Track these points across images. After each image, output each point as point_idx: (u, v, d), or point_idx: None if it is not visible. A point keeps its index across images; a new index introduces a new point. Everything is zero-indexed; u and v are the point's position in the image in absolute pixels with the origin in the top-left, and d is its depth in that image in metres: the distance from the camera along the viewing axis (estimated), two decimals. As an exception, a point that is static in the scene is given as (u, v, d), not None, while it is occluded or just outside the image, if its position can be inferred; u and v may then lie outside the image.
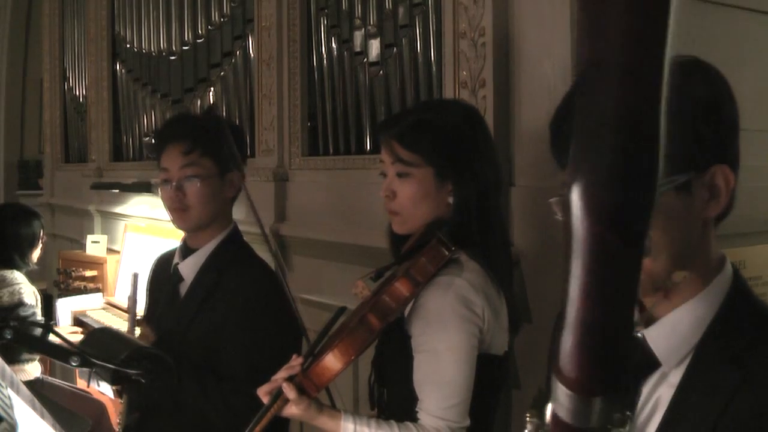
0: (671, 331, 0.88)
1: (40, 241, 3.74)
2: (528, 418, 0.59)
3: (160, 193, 2.01)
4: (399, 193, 1.58)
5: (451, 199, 1.57)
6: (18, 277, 3.56)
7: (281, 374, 1.48)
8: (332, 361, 1.43)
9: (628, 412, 0.51)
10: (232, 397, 1.81)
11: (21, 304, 3.45)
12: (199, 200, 1.93)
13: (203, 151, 1.92)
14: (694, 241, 0.88)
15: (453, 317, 1.47)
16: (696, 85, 0.86)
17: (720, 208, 0.87)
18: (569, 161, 0.43)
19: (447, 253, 1.47)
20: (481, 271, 1.52)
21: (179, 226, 2.02)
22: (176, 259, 2.05)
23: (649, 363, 0.89)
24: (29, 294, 3.52)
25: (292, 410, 1.45)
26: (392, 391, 1.59)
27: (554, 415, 0.50)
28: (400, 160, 1.57)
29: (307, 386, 1.45)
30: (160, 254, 2.24)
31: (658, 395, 0.89)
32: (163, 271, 2.12)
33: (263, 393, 1.50)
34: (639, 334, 0.89)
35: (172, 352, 1.76)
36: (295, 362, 1.49)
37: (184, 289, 2.01)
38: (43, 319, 3.63)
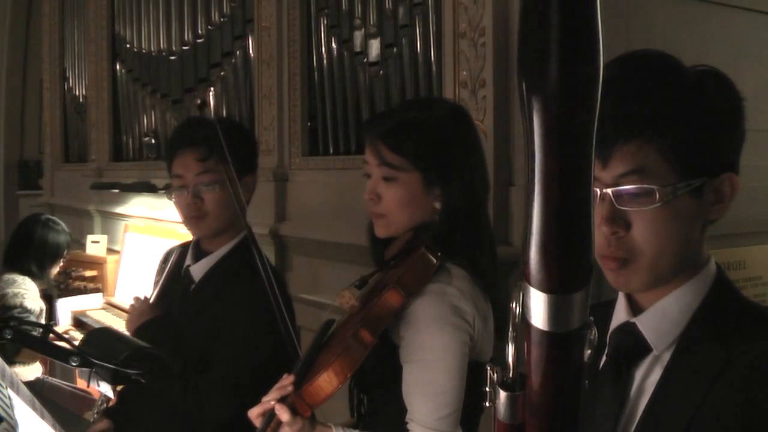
0: (661, 317, 0.94)
1: (62, 259, 3.82)
2: (489, 370, 0.59)
3: (173, 199, 1.93)
4: (385, 196, 1.52)
5: (438, 204, 1.51)
6: (28, 284, 3.55)
7: (273, 395, 1.42)
8: (327, 380, 1.38)
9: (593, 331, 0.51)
10: (204, 389, 1.78)
11: (20, 307, 3.43)
12: (218, 207, 1.88)
13: (220, 156, 1.83)
14: (694, 240, 0.93)
15: (444, 326, 1.42)
16: (715, 95, 0.91)
17: (723, 213, 0.94)
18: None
19: (435, 261, 1.44)
20: (468, 277, 1.48)
21: (195, 234, 1.97)
22: (188, 261, 1.99)
23: (640, 348, 0.95)
24: (33, 302, 3.50)
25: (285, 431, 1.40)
26: (374, 398, 1.55)
27: (533, 330, 0.49)
28: (386, 163, 1.50)
29: (300, 407, 1.39)
30: (180, 245, 2.15)
31: (651, 378, 0.94)
32: (178, 261, 2.05)
33: (255, 415, 1.43)
34: (631, 321, 0.96)
35: (169, 339, 1.80)
36: (287, 381, 1.42)
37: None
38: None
